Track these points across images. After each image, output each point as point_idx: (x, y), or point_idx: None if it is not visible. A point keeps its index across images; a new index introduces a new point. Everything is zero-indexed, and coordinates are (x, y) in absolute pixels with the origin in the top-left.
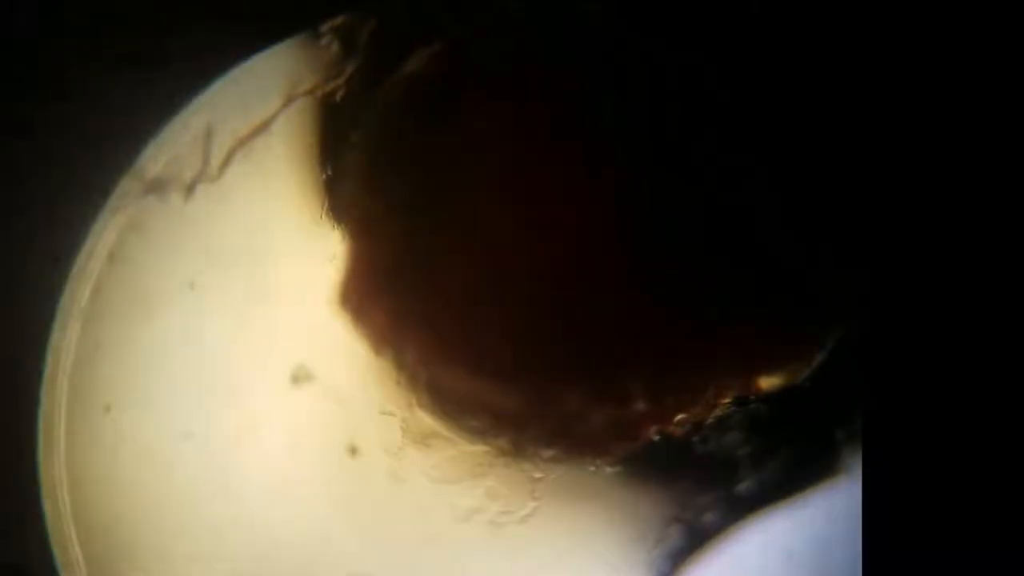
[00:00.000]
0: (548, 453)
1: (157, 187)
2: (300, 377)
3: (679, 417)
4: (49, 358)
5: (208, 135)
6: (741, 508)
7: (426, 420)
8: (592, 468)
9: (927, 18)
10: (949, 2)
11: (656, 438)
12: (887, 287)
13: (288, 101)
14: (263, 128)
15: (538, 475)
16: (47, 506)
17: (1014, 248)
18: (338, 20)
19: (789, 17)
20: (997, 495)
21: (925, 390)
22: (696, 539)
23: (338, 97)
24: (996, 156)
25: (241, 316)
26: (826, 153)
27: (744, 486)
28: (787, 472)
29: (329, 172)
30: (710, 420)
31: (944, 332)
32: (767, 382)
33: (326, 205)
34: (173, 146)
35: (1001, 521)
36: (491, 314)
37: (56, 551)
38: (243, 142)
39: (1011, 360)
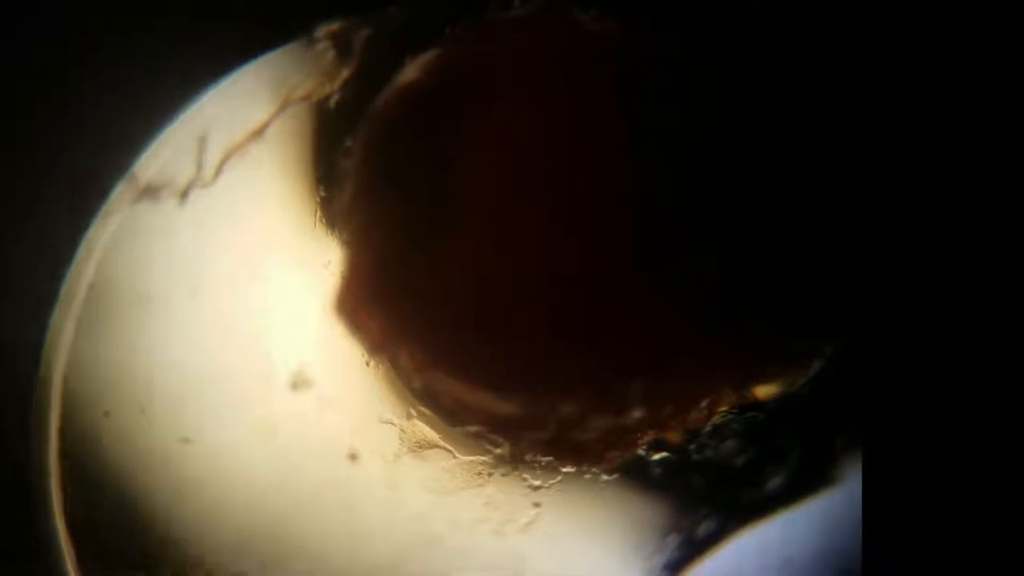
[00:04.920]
0: (546, 460)
1: (151, 192)
2: (298, 383)
3: (676, 425)
4: (45, 363)
5: (202, 140)
6: (740, 517)
7: (424, 429)
8: (589, 476)
9: (929, 22)
10: (951, 8)
11: (654, 447)
12: (885, 294)
13: (283, 107)
14: (257, 134)
15: (537, 483)
16: (43, 510)
17: (1010, 255)
18: (334, 26)
19: (788, 17)
20: (996, 498)
21: (923, 396)
22: (695, 548)
23: (333, 103)
24: (994, 161)
25: (237, 322)
26: (824, 160)
27: (742, 494)
28: (786, 480)
29: (323, 178)
30: (707, 428)
31: (941, 338)
32: (764, 390)
33: (320, 211)
34: (167, 151)
35: (1000, 524)
36: (485, 321)
37: (51, 555)
38: (237, 148)
39: (1008, 365)
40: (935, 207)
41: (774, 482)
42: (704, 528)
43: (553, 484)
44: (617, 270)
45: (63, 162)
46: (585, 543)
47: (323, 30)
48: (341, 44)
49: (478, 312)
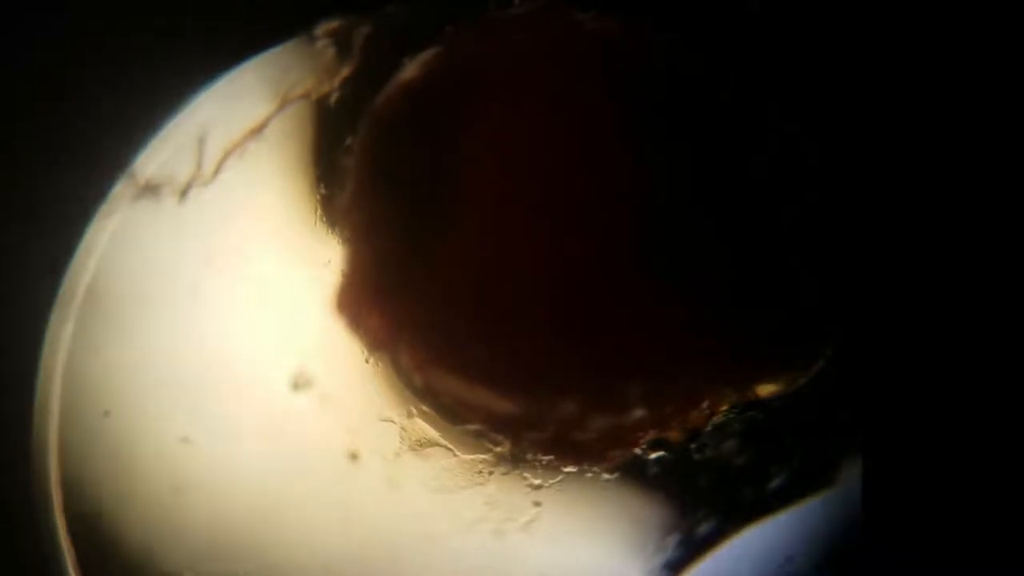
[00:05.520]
0: (547, 459)
1: (150, 190)
2: (298, 382)
3: (677, 424)
4: (45, 363)
5: (202, 138)
6: (740, 516)
7: (424, 428)
8: (590, 475)
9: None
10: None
11: (655, 446)
12: (885, 295)
13: (282, 105)
14: (257, 132)
15: (538, 481)
16: (43, 510)
17: (1010, 255)
18: (333, 23)
19: (789, 17)
20: (995, 498)
21: (922, 396)
22: (695, 547)
23: (333, 101)
24: (992, 163)
25: (238, 320)
26: (824, 160)
27: (743, 494)
28: (786, 480)
29: (323, 176)
30: (708, 428)
31: (941, 339)
32: (765, 389)
33: (320, 209)
34: (166, 149)
35: (999, 524)
36: (486, 320)
37: (51, 555)
38: (237, 146)
39: (1007, 366)
40: (935, 207)
41: (775, 482)
42: (704, 528)
43: (554, 483)
44: (617, 270)
45: (63, 161)
46: (586, 542)
47: (323, 28)
48: (341, 42)
49: (478, 311)
